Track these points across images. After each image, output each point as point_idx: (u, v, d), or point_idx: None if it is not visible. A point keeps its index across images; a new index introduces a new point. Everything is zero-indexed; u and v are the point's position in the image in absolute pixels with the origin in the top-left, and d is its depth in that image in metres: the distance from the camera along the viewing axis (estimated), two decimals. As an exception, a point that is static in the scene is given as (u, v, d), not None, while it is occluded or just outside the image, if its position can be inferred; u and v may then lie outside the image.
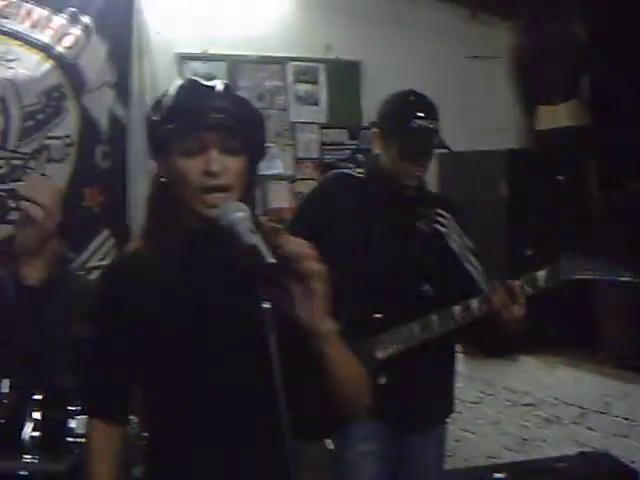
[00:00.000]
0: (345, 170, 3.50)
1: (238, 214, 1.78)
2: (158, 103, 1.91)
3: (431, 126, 3.10)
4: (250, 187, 1.93)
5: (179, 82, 1.92)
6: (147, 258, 1.92)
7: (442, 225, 3.19)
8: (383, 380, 3.01)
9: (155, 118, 1.89)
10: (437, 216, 3.20)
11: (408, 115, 3.09)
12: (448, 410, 3.36)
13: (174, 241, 1.91)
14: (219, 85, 1.90)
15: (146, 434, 2.12)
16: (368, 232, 3.13)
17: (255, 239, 1.71)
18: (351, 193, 3.20)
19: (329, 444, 2.99)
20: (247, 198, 1.89)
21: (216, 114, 1.84)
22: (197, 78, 1.95)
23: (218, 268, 1.86)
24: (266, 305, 1.66)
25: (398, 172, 3.13)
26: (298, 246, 1.70)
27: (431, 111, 3.13)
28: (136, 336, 1.91)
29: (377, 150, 3.25)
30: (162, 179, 1.92)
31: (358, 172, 3.34)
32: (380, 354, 3.08)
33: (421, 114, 3.08)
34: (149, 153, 1.96)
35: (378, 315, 3.08)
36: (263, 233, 1.77)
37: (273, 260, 1.66)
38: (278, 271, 1.66)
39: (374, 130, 3.28)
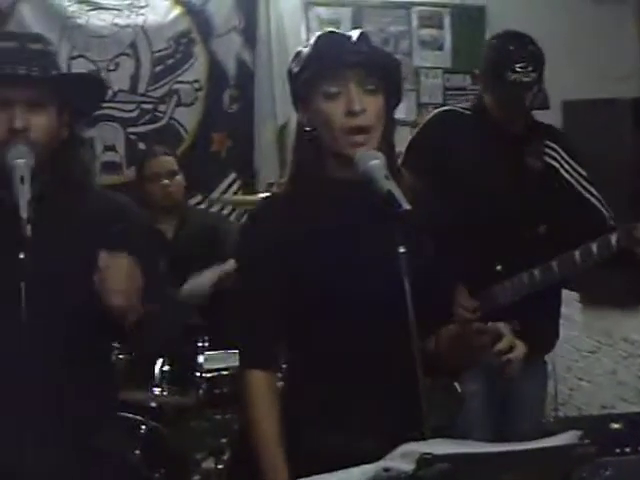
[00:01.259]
0: (451, 107, 3.43)
1: (374, 162, 1.86)
2: (298, 55, 2.00)
3: (527, 79, 2.97)
4: (388, 131, 2.00)
5: (317, 34, 2.01)
6: (292, 205, 2.00)
7: (553, 158, 3.14)
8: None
9: (296, 69, 1.98)
10: (546, 149, 3.14)
11: (504, 67, 2.98)
12: (548, 346, 3.36)
13: (317, 187, 1.98)
14: (355, 33, 1.98)
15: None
16: (477, 173, 3.08)
17: (391, 185, 1.79)
18: (458, 130, 3.15)
19: (458, 387, 3.04)
20: (386, 141, 1.97)
21: (354, 55, 1.93)
22: (334, 29, 2.04)
23: (359, 214, 1.94)
24: (402, 249, 1.74)
25: (497, 115, 3.09)
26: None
27: (532, 61, 3.00)
28: (286, 281, 1.97)
29: (480, 89, 3.20)
30: (306, 128, 2.00)
31: (463, 108, 3.28)
32: (502, 301, 3.11)
33: (519, 66, 2.97)
34: (293, 105, 2.04)
35: (498, 267, 3.09)
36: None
37: (408, 206, 1.73)
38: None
39: (476, 70, 3.23)
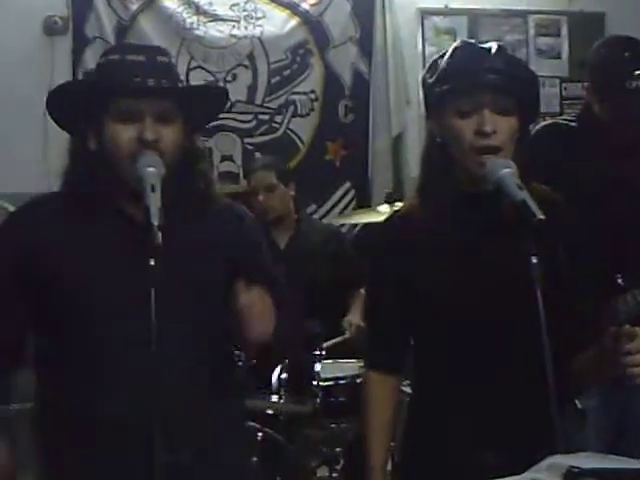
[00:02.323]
0: (555, 120, 3.30)
1: (506, 170, 1.83)
2: (433, 65, 1.98)
3: None
4: (521, 143, 1.96)
5: (455, 44, 1.99)
6: (419, 216, 2.00)
7: None
8: None
9: (431, 80, 1.96)
10: None
11: (623, 75, 2.84)
12: None
13: (446, 199, 1.97)
14: (494, 47, 1.94)
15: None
16: (588, 186, 2.92)
17: (524, 194, 1.76)
18: (564, 144, 3.03)
19: (578, 404, 2.98)
20: (518, 152, 1.94)
21: (490, 75, 1.89)
22: (472, 40, 2.02)
23: (487, 227, 1.91)
24: (534, 260, 1.71)
25: (614, 127, 2.95)
26: None
27: None
28: (407, 291, 1.98)
29: (589, 100, 3.03)
30: (437, 139, 1.98)
31: (568, 120, 3.15)
32: (624, 317, 3.01)
33: (639, 72, 2.83)
34: (425, 114, 2.03)
35: (619, 280, 2.99)
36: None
37: (542, 216, 1.70)
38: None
39: (586, 84, 3.05)
